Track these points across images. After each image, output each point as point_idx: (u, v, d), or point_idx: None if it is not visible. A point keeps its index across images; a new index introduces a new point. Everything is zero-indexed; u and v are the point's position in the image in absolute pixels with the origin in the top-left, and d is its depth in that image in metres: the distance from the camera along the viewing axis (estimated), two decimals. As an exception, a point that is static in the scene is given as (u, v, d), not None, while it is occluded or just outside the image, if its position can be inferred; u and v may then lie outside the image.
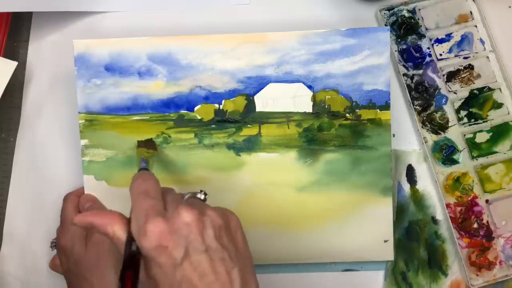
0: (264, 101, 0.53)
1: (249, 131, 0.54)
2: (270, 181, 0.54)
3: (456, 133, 0.57)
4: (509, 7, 0.60)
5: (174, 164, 0.53)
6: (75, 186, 0.56)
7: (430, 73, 0.58)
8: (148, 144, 0.53)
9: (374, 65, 0.53)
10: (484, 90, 0.58)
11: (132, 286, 0.37)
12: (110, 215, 0.41)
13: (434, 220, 0.57)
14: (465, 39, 0.58)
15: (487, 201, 0.56)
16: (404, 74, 0.58)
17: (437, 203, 0.57)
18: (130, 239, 0.39)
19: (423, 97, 0.58)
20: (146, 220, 0.38)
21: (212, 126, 0.54)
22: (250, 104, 0.53)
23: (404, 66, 0.58)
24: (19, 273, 0.56)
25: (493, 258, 0.55)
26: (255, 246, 0.53)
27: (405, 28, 0.59)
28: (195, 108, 0.53)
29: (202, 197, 0.43)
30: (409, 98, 0.57)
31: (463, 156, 0.57)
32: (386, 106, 0.53)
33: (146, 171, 0.46)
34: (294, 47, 0.53)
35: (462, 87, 0.58)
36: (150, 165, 0.52)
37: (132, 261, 0.38)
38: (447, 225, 0.56)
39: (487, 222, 0.56)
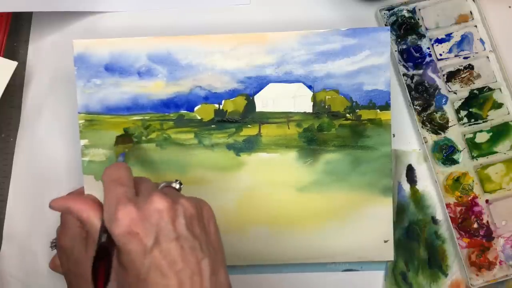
0: (264, 101, 0.53)
1: (249, 131, 0.54)
2: (270, 181, 0.54)
3: (456, 133, 0.57)
4: (509, 7, 0.60)
5: (173, 162, 0.53)
6: (75, 186, 0.55)
7: (430, 73, 0.58)
8: (124, 139, 0.53)
9: (374, 65, 0.53)
10: (484, 90, 0.58)
11: (105, 275, 0.37)
12: (87, 201, 0.41)
13: (434, 220, 0.57)
14: (465, 39, 0.58)
15: (487, 201, 0.56)
16: (404, 74, 0.58)
17: (437, 203, 0.57)
18: (104, 227, 0.39)
19: (423, 97, 0.58)
20: (117, 207, 0.38)
21: (212, 126, 0.53)
22: (250, 104, 0.53)
23: (404, 66, 0.58)
24: (19, 273, 0.56)
25: (493, 258, 0.55)
26: (255, 246, 0.54)
27: (405, 28, 0.59)
28: (195, 108, 0.53)
29: (177, 186, 0.44)
30: (409, 98, 0.57)
31: (463, 156, 0.57)
32: (386, 106, 0.53)
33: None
34: (294, 47, 0.53)
35: (462, 87, 0.58)
36: (128, 160, 0.53)
37: (105, 250, 0.38)
38: (447, 225, 0.56)
39: (487, 222, 0.56)
